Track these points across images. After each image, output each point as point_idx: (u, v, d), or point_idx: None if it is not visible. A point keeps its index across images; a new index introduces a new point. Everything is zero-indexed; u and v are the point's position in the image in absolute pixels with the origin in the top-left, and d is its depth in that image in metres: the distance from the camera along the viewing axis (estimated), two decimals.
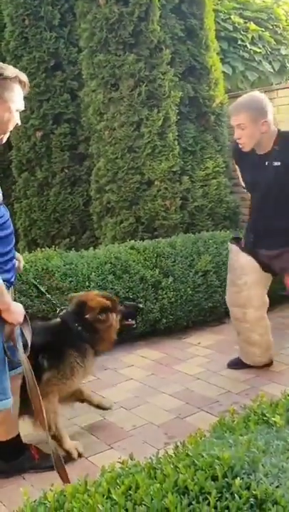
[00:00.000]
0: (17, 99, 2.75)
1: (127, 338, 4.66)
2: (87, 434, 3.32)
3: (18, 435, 3.01)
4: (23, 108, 2.80)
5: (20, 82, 2.78)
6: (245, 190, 4.33)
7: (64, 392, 3.20)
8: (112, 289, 4.83)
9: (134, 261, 5.19)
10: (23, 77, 2.74)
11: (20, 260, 3.08)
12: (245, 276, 4.14)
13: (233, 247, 4.23)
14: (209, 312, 5.49)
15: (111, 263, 5.06)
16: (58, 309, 3.54)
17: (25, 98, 6.73)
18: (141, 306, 4.29)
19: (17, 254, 3.00)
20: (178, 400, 3.88)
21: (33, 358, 2.85)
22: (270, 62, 8.38)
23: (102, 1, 5.95)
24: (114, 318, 3.34)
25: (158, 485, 1.40)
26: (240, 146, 3.88)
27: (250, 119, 3.72)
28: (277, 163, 3.81)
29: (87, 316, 3.24)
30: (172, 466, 1.50)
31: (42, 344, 3.04)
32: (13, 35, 6.92)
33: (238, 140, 3.84)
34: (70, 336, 3.23)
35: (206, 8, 6.44)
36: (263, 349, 4.31)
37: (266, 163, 3.85)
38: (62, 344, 3.21)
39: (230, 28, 7.85)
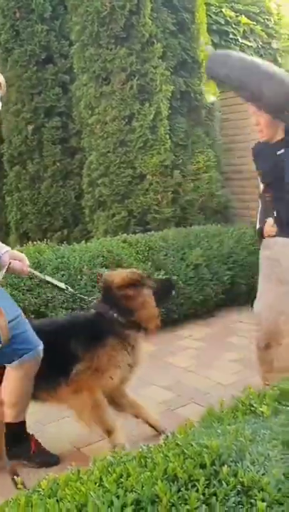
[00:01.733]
0: None
1: None
2: (78, 426, 3.35)
3: (24, 422, 3.00)
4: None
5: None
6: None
7: (107, 386, 3.03)
8: None
9: (126, 254, 5.22)
10: (1, 78, 2.73)
11: (20, 259, 2.95)
12: None
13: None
14: (200, 305, 5.53)
15: (103, 256, 5.08)
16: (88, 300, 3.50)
17: (17, 91, 6.79)
18: (174, 277, 3.98)
19: (18, 254, 2.96)
20: (169, 391, 3.92)
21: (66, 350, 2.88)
22: (261, 56, 8.39)
23: None
24: (146, 293, 3.11)
25: (148, 473, 1.43)
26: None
27: None
28: None
29: (116, 293, 3.06)
30: (162, 455, 1.53)
31: (76, 336, 2.99)
32: (4, 28, 6.95)
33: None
34: (106, 324, 3.05)
35: (197, 2, 6.46)
36: None
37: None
38: (97, 335, 3.04)
39: (222, 21, 7.86)
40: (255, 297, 6.01)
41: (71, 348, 2.96)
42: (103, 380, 2.98)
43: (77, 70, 6.43)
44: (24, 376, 2.82)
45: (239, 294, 5.97)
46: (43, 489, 1.44)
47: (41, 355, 2.80)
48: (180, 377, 4.22)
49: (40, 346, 2.80)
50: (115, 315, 3.04)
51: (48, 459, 2.99)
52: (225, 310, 5.72)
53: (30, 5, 6.79)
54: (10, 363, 2.78)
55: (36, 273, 3.29)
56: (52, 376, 2.95)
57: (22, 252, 3.08)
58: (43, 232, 7.25)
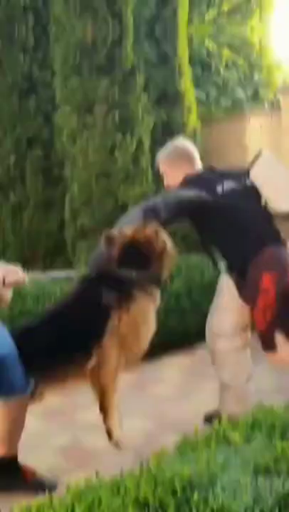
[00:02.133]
0: None
1: None
2: (59, 457, 3.29)
3: (15, 456, 2.95)
4: None
5: None
6: None
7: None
8: None
9: None
10: None
11: (12, 270, 2.82)
12: None
13: None
14: (181, 332, 5.47)
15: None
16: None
17: None
18: None
19: (7, 266, 2.84)
20: (150, 420, 3.87)
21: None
22: (243, 88, 8.50)
23: (77, 25, 6.02)
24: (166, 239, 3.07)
25: (120, 500, 1.43)
26: None
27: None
28: None
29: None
30: (135, 482, 1.52)
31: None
32: None
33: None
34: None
35: (179, 34, 6.55)
36: None
37: None
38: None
39: (204, 53, 7.97)
40: None
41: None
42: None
43: (60, 101, 6.46)
44: (10, 414, 2.78)
45: None
46: None
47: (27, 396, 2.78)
48: (161, 406, 4.16)
49: (28, 390, 2.77)
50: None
51: (44, 486, 2.90)
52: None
53: (12, 35, 6.84)
54: None
55: (36, 276, 3.30)
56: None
57: None
58: (25, 263, 7.17)
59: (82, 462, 3.32)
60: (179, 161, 3.63)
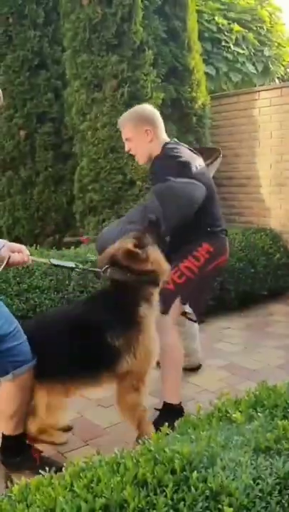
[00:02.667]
0: None
1: None
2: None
3: (24, 434, 2.94)
4: None
5: None
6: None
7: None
8: (92, 287, 4.88)
9: None
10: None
11: (19, 249, 2.77)
12: None
13: None
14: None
15: (92, 262, 5.10)
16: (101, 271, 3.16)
17: (9, 97, 6.82)
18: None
19: (16, 245, 2.80)
20: (154, 397, 3.92)
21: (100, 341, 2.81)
22: (253, 64, 8.45)
23: (85, 1, 5.99)
24: (154, 250, 3.03)
25: (118, 478, 1.46)
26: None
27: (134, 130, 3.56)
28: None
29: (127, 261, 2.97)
30: (134, 461, 1.56)
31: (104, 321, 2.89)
32: None
33: (129, 151, 3.69)
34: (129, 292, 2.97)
35: (188, 10, 6.51)
36: None
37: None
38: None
39: (214, 29, 7.91)
40: (244, 303, 6.16)
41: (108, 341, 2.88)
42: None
43: (69, 77, 6.46)
44: (19, 389, 2.79)
45: (228, 300, 6.00)
46: (15, 494, 1.47)
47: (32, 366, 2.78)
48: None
49: (34, 360, 2.80)
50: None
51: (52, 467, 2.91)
52: (214, 316, 5.72)
53: (23, 11, 6.82)
54: (4, 375, 2.76)
55: (39, 259, 3.24)
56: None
57: None
58: (34, 238, 7.27)
59: (88, 438, 3.42)
60: (142, 125, 3.51)
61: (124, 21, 5.96)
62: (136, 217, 3.32)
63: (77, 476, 1.50)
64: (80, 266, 3.39)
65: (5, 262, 2.65)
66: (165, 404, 3.53)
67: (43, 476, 1.53)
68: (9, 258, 2.66)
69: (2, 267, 2.64)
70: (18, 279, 4.58)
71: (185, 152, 3.49)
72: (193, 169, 3.38)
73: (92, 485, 1.46)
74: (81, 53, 6.19)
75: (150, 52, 6.10)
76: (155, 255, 3.02)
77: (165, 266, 3.06)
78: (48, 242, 7.12)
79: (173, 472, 1.50)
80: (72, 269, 3.44)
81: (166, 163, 3.40)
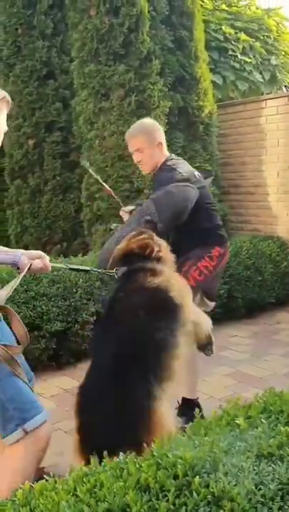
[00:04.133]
0: (4, 120, 2.59)
1: None
2: (71, 438, 3.37)
3: None
4: (6, 129, 2.71)
5: (7, 102, 2.62)
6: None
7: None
8: (99, 295, 4.91)
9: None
10: (8, 97, 2.66)
11: (39, 256, 2.62)
12: None
13: None
14: None
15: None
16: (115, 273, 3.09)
17: (18, 106, 6.87)
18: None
19: (35, 252, 2.65)
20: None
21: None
22: (260, 72, 8.49)
23: (93, 12, 6.06)
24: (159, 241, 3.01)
25: (121, 483, 1.47)
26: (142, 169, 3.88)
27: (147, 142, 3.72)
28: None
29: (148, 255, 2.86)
30: (137, 466, 1.58)
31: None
32: (6, 44, 7.04)
33: (138, 164, 3.85)
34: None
35: (195, 20, 6.57)
36: None
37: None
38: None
39: (221, 38, 7.96)
40: (251, 311, 6.20)
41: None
42: None
43: (77, 86, 6.52)
44: (24, 455, 2.21)
45: (236, 308, 6.01)
46: (18, 498, 1.48)
47: (47, 418, 2.26)
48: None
49: (45, 411, 2.29)
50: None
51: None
52: (220, 324, 5.73)
53: (32, 22, 6.90)
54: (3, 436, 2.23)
55: (58, 265, 3.24)
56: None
57: None
58: (42, 246, 7.31)
59: None
60: (155, 138, 3.70)
61: (131, 31, 6.02)
62: (132, 221, 3.48)
63: (81, 480, 1.52)
64: (95, 269, 3.36)
65: (26, 269, 2.51)
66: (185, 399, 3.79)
67: (47, 480, 1.55)
68: (31, 265, 2.53)
69: (23, 274, 2.53)
70: (25, 286, 4.61)
71: (185, 166, 3.72)
72: (193, 179, 3.60)
73: (95, 489, 1.47)
74: (89, 63, 6.25)
75: (157, 62, 6.15)
76: (163, 244, 3.03)
77: (171, 256, 3.05)
78: (55, 250, 7.15)
79: (175, 477, 1.51)
80: (87, 271, 3.51)
81: (169, 175, 3.58)
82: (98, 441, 2.09)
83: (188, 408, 3.59)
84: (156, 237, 3.04)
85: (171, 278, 2.79)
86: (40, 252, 2.64)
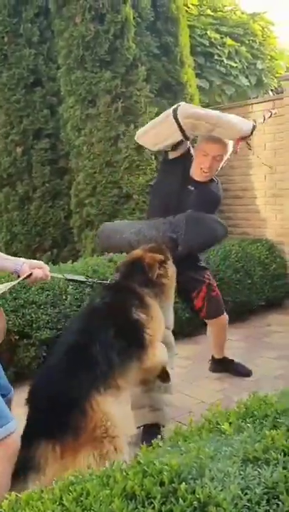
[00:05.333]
0: None
1: None
2: None
3: None
4: None
5: None
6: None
7: None
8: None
9: (111, 273, 5.25)
10: None
11: (40, 266, 2.73)
12: None
13: None
14: (187, 323, 5.56)
15: (88, 276, 5.12)
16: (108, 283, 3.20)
17: (5, 114, 6.87)
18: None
19: (36, 262, 2.77)
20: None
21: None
22: (246, 77, 8.51)
23: (78, 19, 6.08)
24: (171, 267, 3.12)
25: (108, 491, 1.48)
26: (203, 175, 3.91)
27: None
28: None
29: (150, 276, 2.97)
30: (124, 474, 1.59)
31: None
32: None
33: (206, 170, 3.88)
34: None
35: (180, 25, 6.60)
36: None
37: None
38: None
39: (207, 43, 7.98)
40: (241, 314, 6.23)
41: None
42: None
43: (64, 93, 6.54)
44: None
45: (226, 311, 6.01)
46: (4, 510, 1.49)
47: (13, 430, 2.32)
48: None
49: (13, 422, 2.34)
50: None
51: None
52: None
53: (18, 29, 6.92)
54: None
55: (56, 275, 3.27)
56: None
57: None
58: (32, 253, 7.31)
59: None
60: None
61: (116, 38, 6.04)
62: (159, 228, 3.54)
63: (67, 489, 1.52)
64: (90, 279, 3.55)
65: (25, 275, 2.62)
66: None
67: (33, 490, 1.55)
68: (31, 274, 2.63)
69: (21, 279, 2.66)
70: (14, 294, 4.60)
71: None
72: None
73: (82, 498, 1.47)
74: (75, 70, 6.27)
75: (143, 68, 6.18)
76: (172, 271, 3.13)
77: (174, 284, 3.17)
78: (45, 257, 7.15)
79: (161, 484, 1.51)
80: (83, 282, 3.68)
81: (217, 197, 3.95)
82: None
83: (149, 435, 3.29)
84: (170, 262, 3.09)
85: (154, 316, 2.89)
86: (40, 262, 2.77)
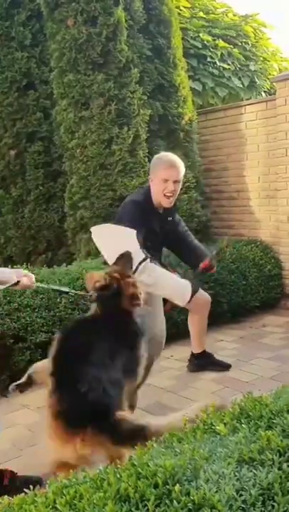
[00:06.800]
0: None
1: None
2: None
3: None
4: None
5: None
6: None
7: None
8: (84, 304, 4.89)
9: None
10: None
11: (26, 275, 3.04)
12: None
13: None
14: (182, 325, 5.55)
15: (83, 279, 5.11)
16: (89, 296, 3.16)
17: None
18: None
19: (22, 271, 3.07)
20: (147, 413, 3.94)
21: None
22: (239, 78, 8.54)
23: (71, 22, 6.07)
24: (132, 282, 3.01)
25: (101, 494, 1.47)
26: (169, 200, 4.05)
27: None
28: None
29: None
30: (117, 476, 1.57)
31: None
32: None
33: (170, 194, 4.03)
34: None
35: (172, 28, 6.61)
36: None
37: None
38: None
39: (200, 45, 8.00)
40: (236, 315, 6.24)
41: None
42: None
43: (57, 96, 6.52)
44: None
45: (221, 312, 6.01)
46: None
47: None
48: (159, 397, 4.25)
49: None
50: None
51: (28, 483, 2.90)
52: (207, 329, 5.72)
53: (10, 33, 6.91)
54: None
55: (41, 284, 3.49)
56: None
57: None
58: (27, 256, 7.30)
59: None
60: None
61: (109, 40, 6.03)
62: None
63: (60, 492, 1.51)
64: (73, 291, 3.76)
65: (13, 282, 2.96)
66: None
67: (26, 494, 1.54)
68: (19, 282, 2.98)
69: (9, 285, 2.97)
70: (8, 298, 4.59)
71: None
72: None
73: (75, 501, 1.46)
74: (68, 73, 6.26)
75: (136, 70, 6.18)
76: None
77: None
78: (40, 260, 7.14)
79: (155, 486, 1.50)
80: (66, 293, 3.94)
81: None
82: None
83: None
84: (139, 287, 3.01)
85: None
86: (27, 272, 3.13)
